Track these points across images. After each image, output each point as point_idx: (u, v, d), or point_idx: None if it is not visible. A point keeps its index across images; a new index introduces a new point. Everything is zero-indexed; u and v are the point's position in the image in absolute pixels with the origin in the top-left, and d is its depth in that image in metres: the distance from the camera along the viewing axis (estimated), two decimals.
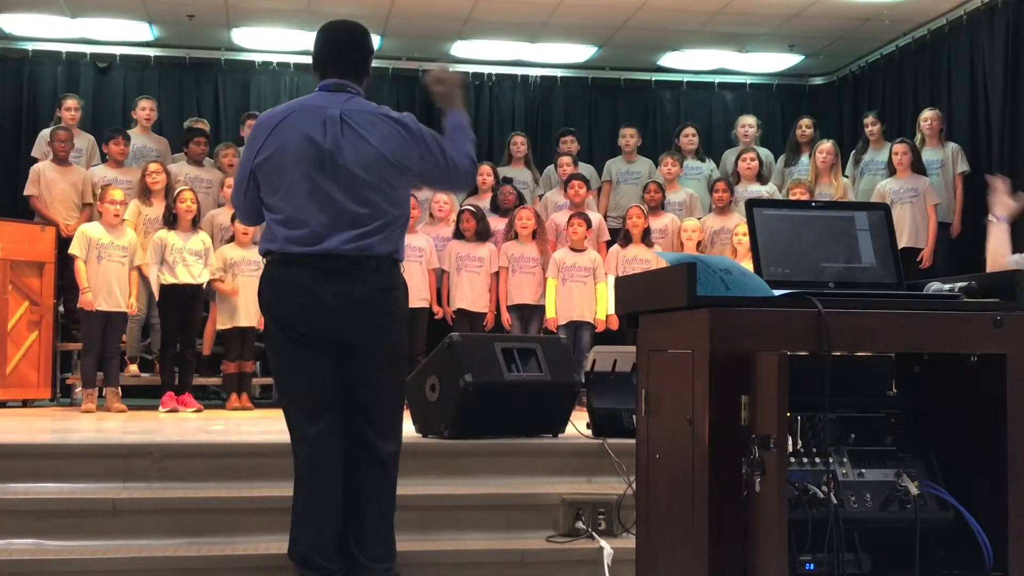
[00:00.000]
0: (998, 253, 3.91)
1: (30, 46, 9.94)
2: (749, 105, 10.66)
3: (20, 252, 7.65)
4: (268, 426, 5.73)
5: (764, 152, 9.29)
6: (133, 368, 7.92)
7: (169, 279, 7.23)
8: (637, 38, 9.82)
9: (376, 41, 9.36)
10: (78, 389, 7.62)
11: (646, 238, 8.04)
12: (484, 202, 8.40)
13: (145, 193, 7.79)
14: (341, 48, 3.79)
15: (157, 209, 7.69)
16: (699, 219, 8.42)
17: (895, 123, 9.44)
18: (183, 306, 7.28)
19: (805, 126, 9.25)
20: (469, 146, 3.82)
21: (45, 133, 8.54)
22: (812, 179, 8.54)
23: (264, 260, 3.73)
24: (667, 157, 8.90)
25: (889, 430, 2.59)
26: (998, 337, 2.46)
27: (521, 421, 5.05)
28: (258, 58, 10.36)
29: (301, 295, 3.58)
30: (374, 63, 3.92)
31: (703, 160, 9.39)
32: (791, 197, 8.00)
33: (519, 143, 9.20)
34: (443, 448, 4.82)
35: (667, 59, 10.50)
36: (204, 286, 7.38)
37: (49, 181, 8.09)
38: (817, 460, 2.47)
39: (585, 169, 9.01)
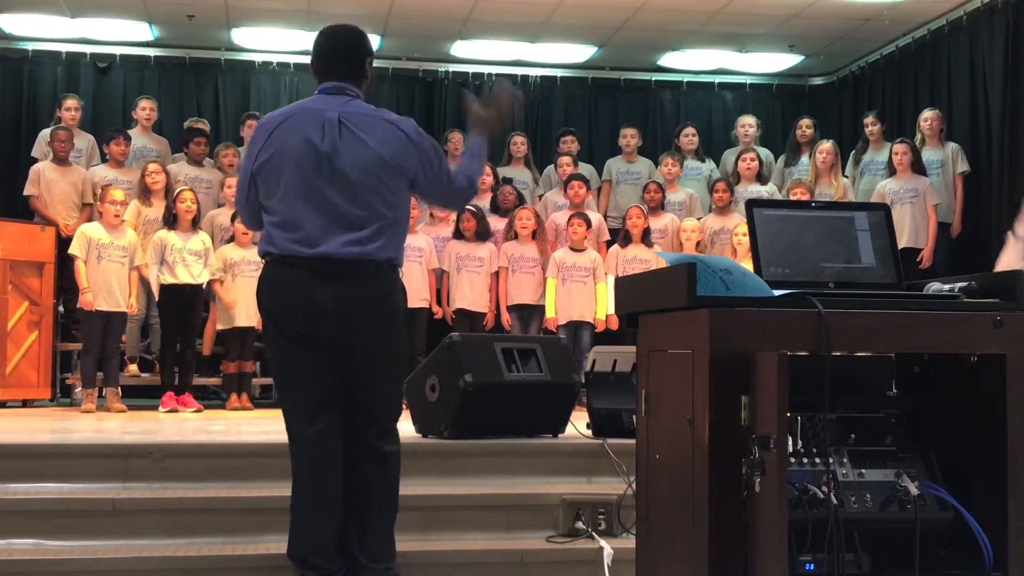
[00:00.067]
0: (1010, 266, 3.93)
1: (30, 46, 9.94)
2: (749, 105, 10.66)
3: (20, 252, 7.65)
4: (268, 426, 5.73)
5: (764, 152, 9.29)
6: (133, 368, 7.92)
7: (169, 279, 7.23)
8: (637, 38, 9.83)
9: (376, 41, 9.38)
10: (78, 389, 7.62)
11: (646, 238, 8.04)
12: (484, 202, 8.40)
13: (145, 193, 7.79)
14: (339, 51, 3.79)
15: (157, 209, 7.69)
16: (699, 219, 8.42)
17: (895, 123, 9.44)
18: (183, 306, 7.28)
19: (805, 126, 9.25)
20: (477, 173, 3.86)
21: (45, 133, 8.54)
22: (812, 179, 8.54)
23: (263, 261, 3.73)
24: (667, 157, 8.90)
25: (889, 430, 2.59)
26: (998, 337, 2.46)
27: (521, 421, 5.05)
28: (258, 58, 10.36)
29: (299, 297, 3.58)
30: (374, 63, 3.92)
31: (703, 160, 9.40)
32: (791, 197, 8.01)
33: (519, 143, 9.20)
34: (443, 448, 4.82)
35: (667, 59, 10.51)
36: (204, 286, 7.38)
37: (49, 181, 8.09)
38: (817, 460, 2.47)
39: (585, 169, 9.01)
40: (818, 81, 11.09)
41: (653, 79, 10.89)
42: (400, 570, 3.78)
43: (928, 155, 8.45)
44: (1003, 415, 2.45)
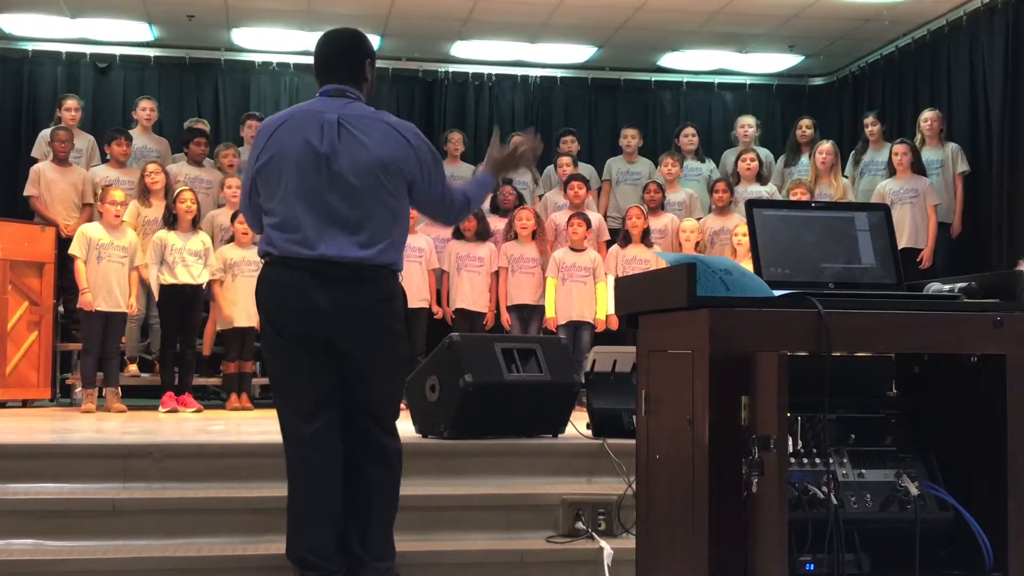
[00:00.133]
0: None
1: (30, 46, 9.94)
2: (749, 105, 10.66)
3: (20, 252, 7.65)
4: (268, 426, 5.73)
5: (764, 152, 9.29)
6: (133, 368, 7.92)
7: (169, 279, 7.23)
8: (637, 38, 9.83)
9: (376, 41, 9.38)
10: (78, 389, 7.62)
11: (645, 238, 8.05)
12: (484, 202, 8.40)
13: (144, 194, 7.79)
14: (339, 54, 3.79)
15: (156, 210, 7.69)
16: (698, 219, 8.42)
17: (895, 123, 9.43)
18: (183, 306, 7.28)
19: (805, 126, 9.25)
20: (477, 200, 3.92)
21: (45, 133, 8.54)
22: (812, 179, 8.54)
23: (263, 261, 3.74)
24: (667, 157, 8.90)
25: (889, 430, 2.59)
26: (998, 337, 2.46)
27: (521, 421, 5.05)
28: (258, 58, 10.36)
29: (297, 298, 3.59)
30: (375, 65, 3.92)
31: (703, 160, 9.39)
32: (791, 197, 8.01)
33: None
34: (443, 448, 4.82)
35: (667, 59, 10.50)
36: (204, 286, 7.38)
37: (49, 181, 8.09)
38: (817, 460, 2.47)
39: (585, 169, 9.01)
40: (818, 81, 11.09)
41: (653, 79, 10.88)
42: (400, 570, 3.79)
43: (928, 155, 8.45)
44: (1003, 415, 2.45)
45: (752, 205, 2.75)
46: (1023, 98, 8.13)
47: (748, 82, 11.01)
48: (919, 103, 9.18)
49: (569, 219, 7.99)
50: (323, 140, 3.58)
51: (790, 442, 2.39)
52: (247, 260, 7.42)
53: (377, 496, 3.71)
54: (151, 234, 7.53)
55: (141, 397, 7.88)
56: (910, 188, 8.18)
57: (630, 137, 9.29)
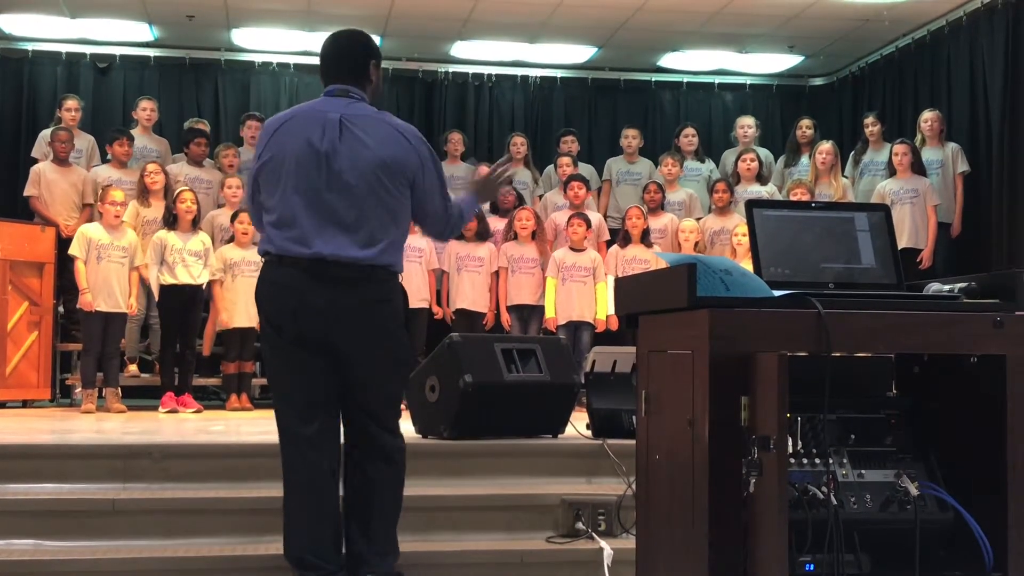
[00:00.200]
0: None
1: (30, 46, 9.94)
2: (749, 106, 10.66)
3: (20, 253, 7.65)
4: (268, 427, 5.71)
5: (764, 152, 9.29)
6: (133, 368, 7.92)
7: (169, 280, 7.23)
8: (637, 39, 9.83)
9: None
10: (78, 390, 7.62)
11: (645, 238, 8.05)
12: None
13: (143, 194, 7.79)
14: (344, 55, 3.80)
15: (155, 210, 7.69)
16: (698, 220, 8.42)
17: (895, 124, 9.43)
18: (183, 307, 7.28)
19: (805, 127, 9.25)
20: (468, 215, 3.93)
21: (45, 134, 8.54)
22: (812, 180, 8.54)
23: (263, 260, 3.74)
24: (667, 157, 8.90)
25: (889, 431, 2.59)
26: (998, 338, 2.46)
27: (521, 422, 5.05)
28: (258, 59, 10.36)
29: (292, 298, 3.59)
30: None
31: (703, 161, 9.39)
32: (791, 198, 8.01)
33: (519, 144, 9.19)
34: (443, 449, 4.82)
35: (667, 60, 10.50)
36: (204, 287, 7.39)
37: (50, 182, 8.09)
38: (817, 461, 2.47)
39: (585, 169, 9.01)
40: (818, 82, 11.09)
41: (653, 80, 10.88)
42: (403, 570, 3.79)
43: (928, 155, 8.45)
44: (1003, 415, 2.45)
45: (752, 205, 2.74)
46: (1023, 98, 8.13)
47: (748, 82, 11.01)
48: (919, 103, 9.18)
49: (569, 219, 7.99)
50: (324, 139, 3.58)
51: (790, 442, 2.39)
52: (247, 260, 7.42)
53: (380, 493, 3.71)
54: (150, 234, 7.53)
55: (141, 397, 7.88)
56: (910, 188, 8.18)
57: (631, 137, 9.29)
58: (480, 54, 10.36)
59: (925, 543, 2.45)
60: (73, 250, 7.20)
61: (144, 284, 7.47)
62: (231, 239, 7.57)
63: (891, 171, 8.38)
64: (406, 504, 3.89)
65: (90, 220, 7.75)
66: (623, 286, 3.02)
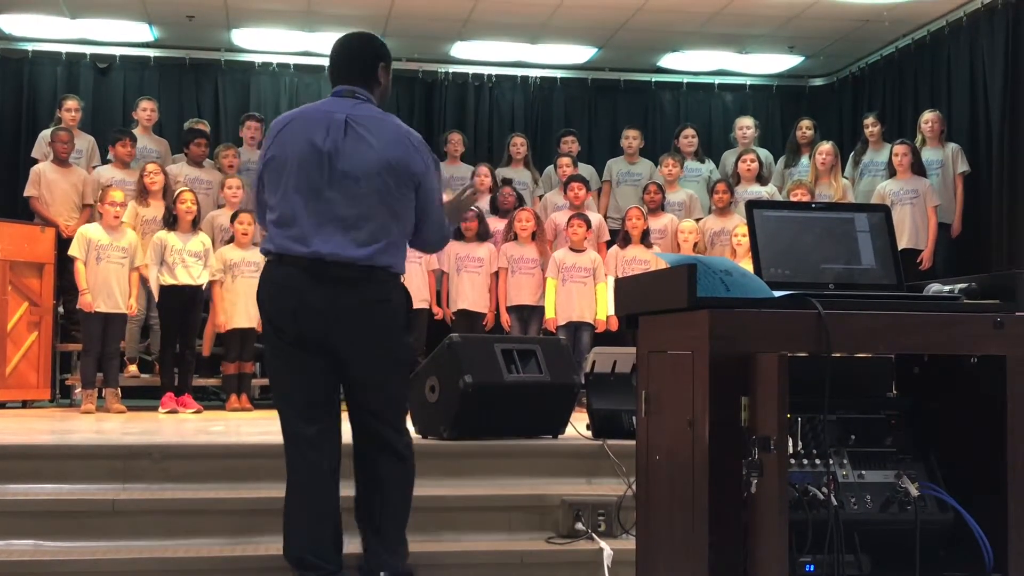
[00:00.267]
0: None
1: (30, 47, 9.94)
2: (749, 106, 10.66)
3: (20, 253, 7.65)
4: (268, 427, 5.73)
5: (764, 153, 9.29)
6: (133, 369, 7.92)
7: (168, 280, 7.23)
8: (637, 39, 9.83)
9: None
10: (78, 390, 7.62)
11: (645, 239, 8.05)
12: (484, 203, 8.41)
13: (143, 194, 7.79)
14: (351, 56, 3.80)
15: (154, 210, 7.69)
16: (698, 220, 8.43)
17: (895, 124, 9.43)
18: (182, 307, 7.28)
19: (805, 127, 9.25)
20: (451, 230, 3.96)
21: (46, 134, 8.54)
22: (812, 180, 8.54)
23: (265, 260, 3.75)
24: (667, 158, 8.90)
25: (889, 431, 2.59)
26: (998, 338, 2.46)
27: (521, 422, 5.05)
28: (258, 59, 10.36)
29: (292, 298, 3.59)
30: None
31: (702, 161, 9.39)
32: (791, 198, 8.01)
33: (519, 144, 9.20)
34: (443, 449, 4.81)
35: (667, 60, 10.50)
36: (204, 287, 7.39)
37: (50, 182, 8.09)
38: (817, 461, 2.47)
39: (585, 170, 9.01)
40: (818, 82, 11.09)
41: (653, 80, 10.88)
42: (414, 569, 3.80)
43: (928, 155, 8.45)
44: (1003, 416, 2.45)
45: (752, 206, 2.74)
46: (1023, 98, 8.12)
47: (748, 83, 11.01)
48: (919, 104, 9.18)
49: (569, 220, 7.99)
50: (328, 138, 3.59)
51: (790, 443, 2.39)
52: (247, 261, 7.42)
53: (392, 490, 3.71)
54: (149, 234, 7.53)
55: (141, 398, 7.88)
56: (910, 189, 8.18)
57: (632, 138, 9.29)
58: (480, 54, 10.36)
59: (925, 543, 2.45)
60: (73, 251, 7.20)
61: (144, 284, 7.47)
62: (231, 240, 7.57)
63: (891, 172, 8.38)
64: None
65: (90, 220, 7.75)
66: (623, 287, 3.02)
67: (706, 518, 2.37)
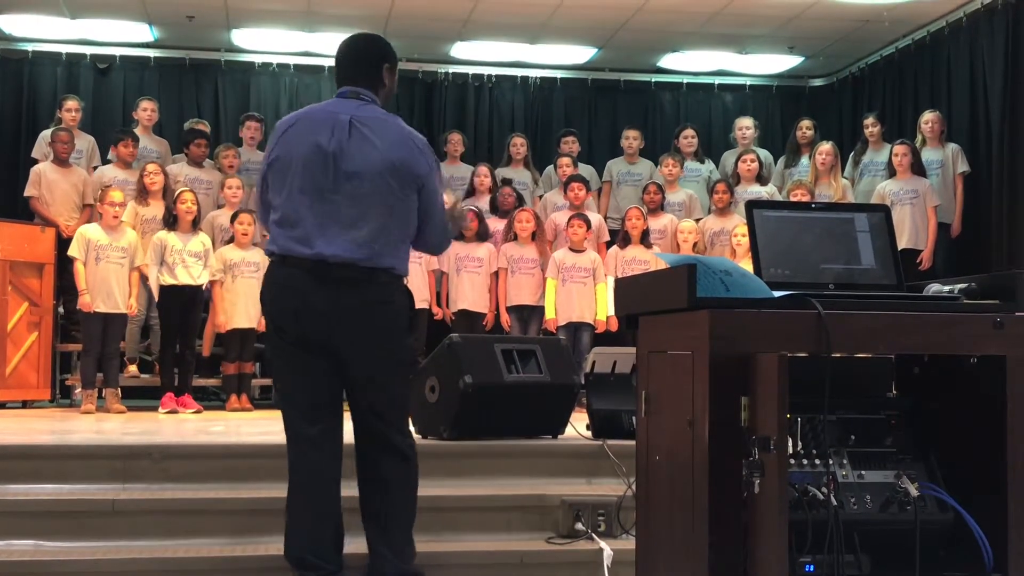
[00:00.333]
0: None
1: (30, 47, 9.94)
2: (749, 106, 10.65)
3: (20, 253, 7.65)
4: (268, 427, 5.73)
5: (764, 153, 9.29)
6: (133, 369, 7.92)
7: (168, 280, 7.23)
8: (637, 39, 9.83)
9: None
10: (78, 390, 7.62)
11: (645, 239, 8.05)
12: (483, 203, 8.42)
13: (142, 194, 7.79)
14: (356, 57, 3.81)
15: (154, 209, 7.69)
16: (698, 221, 8.43)
17: (895, 124, 9.43)
18: (182, 307, 7.28)
19: (806, 127, 9.25)
20: (449, 236, 3.95)
21: (46, 134, 8.54)
22: (812, 180, 8.54)
23: (269, 260, 3.77)
24: (667, 158, 8.90)
25: (889, 431, 2.59)
26: (998, 338, 2.46)
27: (521, 422, 5.05)
28: (258, 59, 10.36)
29: (294, 298, 3.59)
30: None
31: (702, 162, 9.39)
32: (791, 198, 8.01)
33: (519, 144, 9.20)
34: (443, 449, 4.81)
35: (667, 60, 10.50)
36: (204, 287, 7.39)
37: (50, 182, 8.09)
38: (817, 462, 2.47)
39: (584, 170, 9.00)
40: (818, 82, 11.09)
41: (653, 80, 10.88)
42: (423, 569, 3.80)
43: (928, 155, 8.45)
44: (1003, 416, 2.45)
45: (752, 206, 2.74)
46: (1023, 98, 8.13)
47: (748, 83, 11.01)
48: (919, 104, 9.18)
49: (569, 220, 7.99)
50: (332, 139, 3.59)
51: (790, 443, 2.39)
52: (247, 261, 7.43)
53: (397, 491, 3.71)
54: (149, 233, 7.54)
55: (141, 398, 7.88)
56: (910, 189, 8.18)
57: (632, 138, 9.29)
58: (480, 55, 10.36)
59: (925, 544, 2.45)
60: (72, 251, 7.20)
61: (145, 283, 7.47)
62: (231, 240, 7.57)
63: (891, 172, 8.38)
64: None
65: (90, 221, 7.75)
66: (623, 287, 3.02)
67: (706, 518, 2.37)
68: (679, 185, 8.88)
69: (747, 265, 2.69)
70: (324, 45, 9.75)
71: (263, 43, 10.05)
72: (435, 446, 4.85)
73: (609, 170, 9.30)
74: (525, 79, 10.74)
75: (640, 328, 2.80)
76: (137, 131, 8.71)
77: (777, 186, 8.96)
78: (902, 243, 7.72)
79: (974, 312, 2.50)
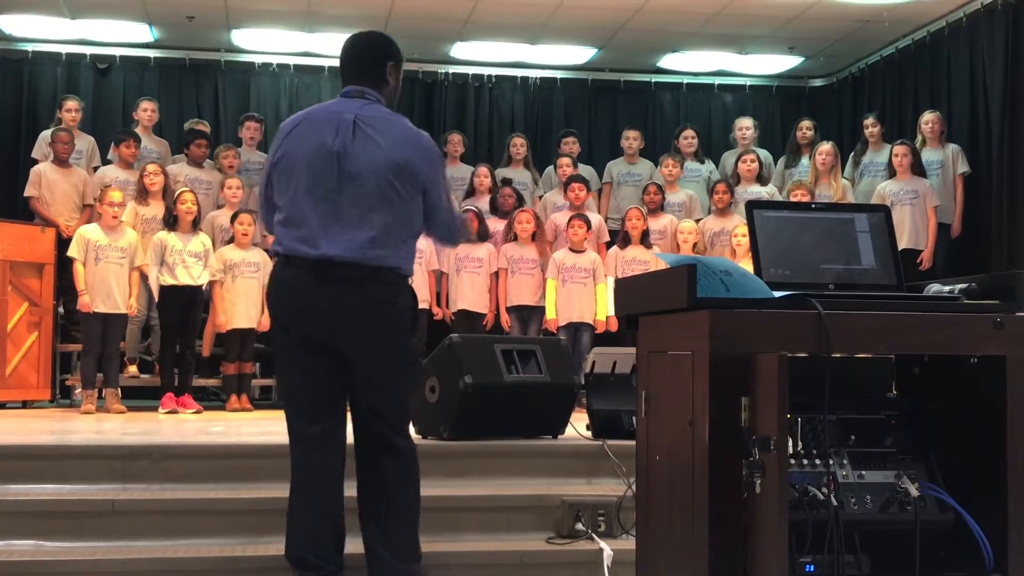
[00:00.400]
0: None
1: (30, 47, 9.94)
2: (749, 107, 10.66)
3: (20, 253, 7.65)
4: (268, 427, 5.73)
5: (764, 153, 9.29)
6: (133, 369, 7.92)
7: (169, 280, 7.24)
8: (637, 40, 9.83)
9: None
10: (78, 390, 7.62)
11: (645, 240, 8.05)
12: (483, 203, 8.42)
13: (142, 194, 7.79)
14: (361, 56, 3.81)
15: (153, 209, 7.69)
16: (698, 221, 8.43)
17: (895, 125, 9.43)
18: (182, 307, 7.28)
19: (806, 128, 9.25)
20: (454, 231, 3.98)
21: (46, 134, 8.54)
22: (812, 181, 8.55)
23: (273, 261, 3.78)
24: (668, 158, 8.90)
25: (889, 432, 2.59)
26: (998, 338, 2.46)
27: (521, 422, 5.05)
28: (258, 59, 10.36)
29: (297, 298, 3.60)
30: None
31: (702, 162, 9.39)
32: (791, 199, 8.01)
33: (519, 144, 9.20)
34: (443, 449, 4.81)
35: (667, 61, 10.51)
36: (204, 287, 7.39)
37: (51, 182, 8.09)
38: (817, 462, 2.47)
39: (584, 171, 9.00)
40: (818, 83, 11.09)
41: (653, 81, 10.88)
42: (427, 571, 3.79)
43: (928, 156, 8.45)
44: (1003, 416, 2.45)
45: (752, 206, 2.74)
46: (1023, 99, 8.13)
47: (748, 83, 11.01)
48: (919, 104, 9.19)
49: (569, 220, 7.99)
50: (337, 139, 3.59)
51: (790, 443, 2.39)
52: (247, 261, 7.43)
53: (397, 493, 3.70)
54: (149, 233, 7.54)
55: (141, 398, 7.88)
56: (910, 189, 8.18)
57: (632, 139, 9.29)
58: (480, 55, 10.36)
59: (925, 544, 2.45)
60: (71, 252, 7.21)
61: (145, 282, 7.47)
62: (231, 240, 7.58)
63: (891, 172, 8.38)
64: None
65: (90, 221, 7.75)
66: (623, 287, 3.02)
67: (706, 518, 2.37)
68: (679, 185, 8.88)
69: (747, 265, 2.69)
70: (324, 45, 9.75)
71: (263, 43, 10.05)
72: (435, 446, 4.85)
73: (609, 171, 9.30)
74: (525, 79, 10.74)
75: (640, 328, 2.80)
76: (137, 131, 8.72)
77: (777, 186, 8.96)
78: (902, 243, 7.72)
79: (974, 312, 2.50)
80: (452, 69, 10.62)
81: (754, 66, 10.63)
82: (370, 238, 3.57)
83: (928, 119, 8.54)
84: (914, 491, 2.45)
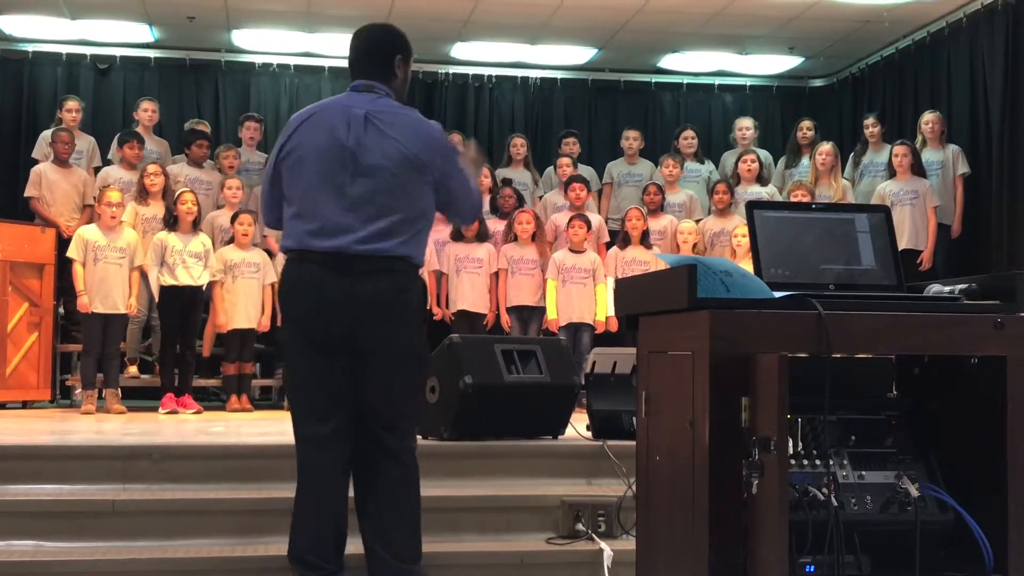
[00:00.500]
0: None
1: (30, 47, 9.94)
2: (749, 107, 10.66)
3: (20, 253, 7.65)
4: (268, 428, 5.74)
5: (764, 154, 9.29)
6: (133, 369, 7.92)
7: (169, 281, 7.24)
8: (637, 40, 9.83)
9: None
10: (78, 390, 7.62)
11: (645, 240, 8.05)
12: (483, 204, 8.42)
13: (142, 194, 7.79)
14: (369, 50, 3.82)
15: (154, 209, 7.69)
16: (698, 221, 8.43)
17: (895, 125, 9.43)
18: (183, 308, 7.28)
19: (806, 128, 9.25)
20: (474, 205, 3.93)
21: (46, 134, 8.54)
22: (812, 181, 8.55)
23: (284, 257, 3.76)
24: (668, 159, 8.90)
25: (889, 432, 2.59)
26: (998, 339, 2.46)
27: (521, 423, 5.05)
28: (258, 60, 10.36)
29: (313, 294, 3.59)
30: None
31: (702, 162, 9.39)
32: (791, 199, 8.02)
33: (519, 145, 9.20)
34: (442, 450, 4.81)
35: (667, 61, 10.51)
36: (204, 288, 7.39)
37: (51, 183, 8.09)
38: (817, 462, 2.47)
39: (584, 171, 9.00)
40: (818, 83, 11.09)
41: (653, 81, 10.88)
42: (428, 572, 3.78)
43: (928, 156, 8.45)
44: (1003, 416, 2.45)
45: (752, 206, 2.74)
46: (1023, 99, 8.13)
47: (748, 83, 11.01)
48: (919, 104, 9.19)
49: (569, 220, 7.99)
50: (349, 134, 3.59)
51: (790, 443, 2.39)
52: (247, 261, 7.43)
53: (395, 495, 3.69)
54: (149, 233, 7.54)
55: (141, 398, 7.88)
56: (910, 190, 8.18)
57: (632, 139, 9.29)
58: (480, 55, 10.36)
59: (925, 544, 2.45)
60: (71, 252, 7.20)
61: (145, 281, 7.47)
62: (231, 240, 7.58)
63: (891, 172, 8.38)
64: None
65: (91, 221, 7.75)
66: (623, 287, 3.02)
67: (706, 518, 2.37)
68: (679, 186, 8.88)
69: (747, 265, 2.69)
70: (324, 45, 9.75)
71: (263, 43, 10.05)
72: (435, 446, 4.85)
73: (609, 171, 9.30)
74: (525, 79, 10.74)
75: (640, 328, 2.81)
76: (137, 131, 8.72)
77: (777, 187, 8.96)
78: (902, 244, 7.72)
79: (974, 312, 2.50)
80: (452, 69, 10.62)
81: (754, 66, 10.64)
82: (384, 230, 3.57)
83: (928, 119, 8.54)
84: (914, 491, 2.45)
